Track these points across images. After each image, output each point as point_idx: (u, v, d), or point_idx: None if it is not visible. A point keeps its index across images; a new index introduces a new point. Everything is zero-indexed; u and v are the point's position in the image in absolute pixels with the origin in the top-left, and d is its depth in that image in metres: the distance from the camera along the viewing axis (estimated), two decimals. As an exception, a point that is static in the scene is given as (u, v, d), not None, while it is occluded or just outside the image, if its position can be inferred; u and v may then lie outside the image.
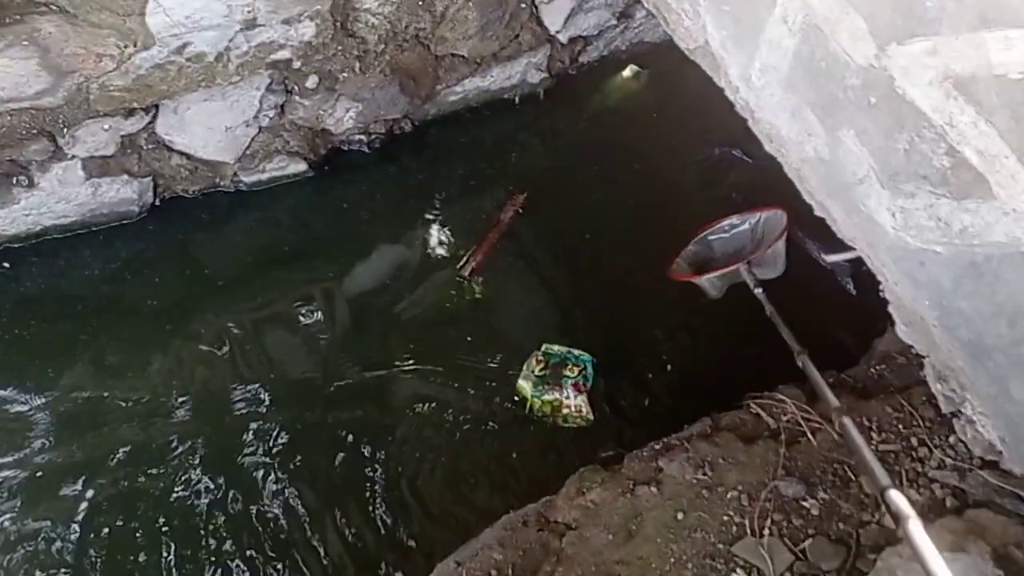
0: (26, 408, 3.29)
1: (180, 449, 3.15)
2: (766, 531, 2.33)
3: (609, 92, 4.60)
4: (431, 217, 4.00)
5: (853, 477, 2.44)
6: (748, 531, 2.34)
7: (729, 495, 2.46)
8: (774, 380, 2.95)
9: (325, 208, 4.05)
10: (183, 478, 3.08)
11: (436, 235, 3.88)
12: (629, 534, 2.41)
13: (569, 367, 3.31)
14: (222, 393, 3.33)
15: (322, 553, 2.92)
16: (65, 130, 3.30)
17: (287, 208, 4.05)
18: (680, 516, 2.42)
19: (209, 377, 3.39)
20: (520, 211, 3.94)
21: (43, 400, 3.30)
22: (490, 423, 3.27)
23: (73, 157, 3.46)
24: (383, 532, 2.97)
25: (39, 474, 3.07)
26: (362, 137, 4.11)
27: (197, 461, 3.12)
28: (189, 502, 3.02)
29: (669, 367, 3.44)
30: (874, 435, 2.56)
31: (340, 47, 3.52)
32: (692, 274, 3.31)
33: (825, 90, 1.71)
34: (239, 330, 3.54)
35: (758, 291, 3.04)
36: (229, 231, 3.99)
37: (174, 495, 3.04)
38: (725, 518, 2.41)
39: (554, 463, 3.14)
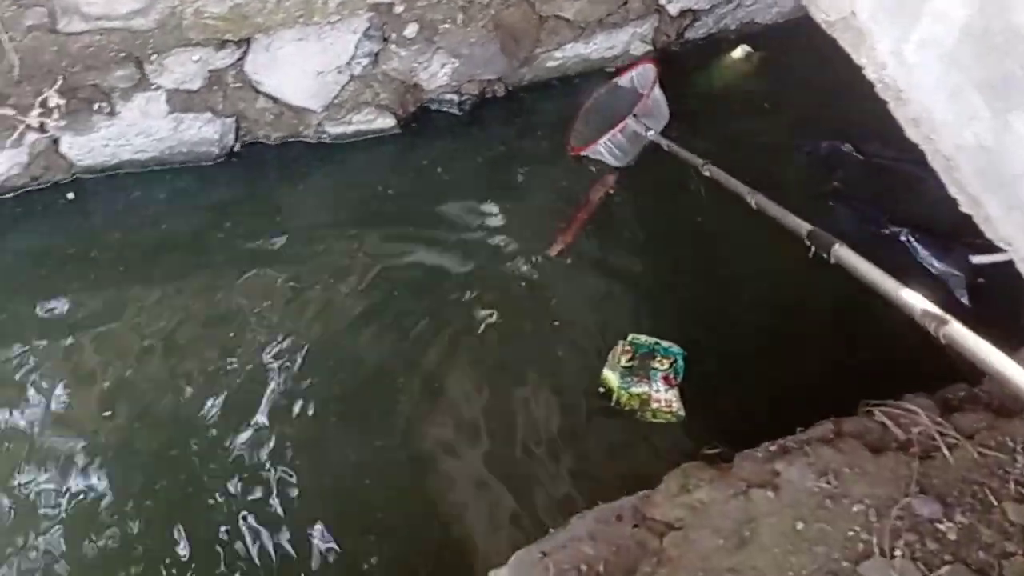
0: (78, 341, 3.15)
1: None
2: (897, 552, 2.08)
3: (716, 72, 4.34)
4: (517, 190, 3.76)
5: (996, 502, 2.18)
6: (876, 550, 2.09)
7: (855, 508, 2.22)
8: (887, 388, 2.69)
9: (408, 169, 3.86)
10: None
11: (522, 210, 3.62)
12: (742, 540, 2.18)
13: (658, 359, 3.09)
14: (267, 347, 3.16)
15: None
16: (154, 57, 3.13)
17: (369, 165, 3.87)
18: (800, 526, 2.18)
19: (269, 326, 3.22)
20: (610, 192, 3.69)
21: (100, 333, 3.16)
22: (573, 412, 3.02)
23: (158, 88, 3.29)
24: (463, 516, 2.75)
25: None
26: (453, 97, 3.89)
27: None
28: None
29: (766, 365, 3.16)
30: (1020, 457, 2.30)
31: (447, -6, 3.29)
32: (588, 144, 3.62)
33: (998, 68, 1.48)
34: (301, 284, 3.36)
35: (650, 133, 3.56)
36: (308, 183, 3.82)
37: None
38: (850, 533, 2.17)
39: (643, 457, 2.91)
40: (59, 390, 3.01)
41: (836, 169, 4.06)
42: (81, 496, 2.76)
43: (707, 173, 3.14)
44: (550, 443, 2.93)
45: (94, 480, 2.79)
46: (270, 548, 2.67)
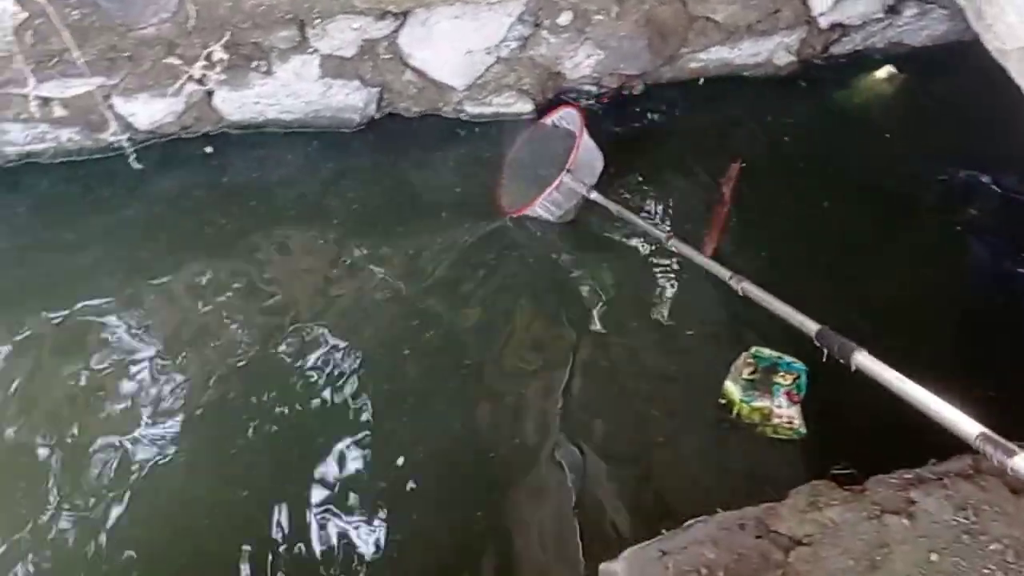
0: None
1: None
2: (1032, 597, 2.02)
3: (857, 90, 4.24)
4: (651, 189, 3.73)
5: None
6: (1011, 591, 2.03)
7: (992, 547, 2.16)
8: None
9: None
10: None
11: (658, 209, 3.61)
12: (873, 564, 2.14)
13: (781, 374, 3.04)
14: (398, 323, 3.21)
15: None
16: (317, 21, 3.21)
17: (501, 147, 3.86)
18: (934, 557, 2.13)
19: (386, 291, 3.30)
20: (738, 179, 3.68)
21: (214, 285, 3.27)
22: (691, 420, 3.02)
23: (314, 51, 3.37)
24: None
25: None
26: (592, 88, 3.90)
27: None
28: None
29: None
30: None
31: (606, -15, 3.30)
32: (523, 206, 3.37)
33: None
34: (421, 255, 3.41)
35: (594, 195, 3.32)
36: (440, 160, 3.87)
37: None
38: (986, 571, 2.12)
39: (761, 471, 2.88)
40: (170, 340, 3.11)
41: (972, 201, 3.95)
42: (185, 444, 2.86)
43: (673, 248, 3.15)
44: (666, 448, 2.92)
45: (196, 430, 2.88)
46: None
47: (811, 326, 2.38)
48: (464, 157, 3.84)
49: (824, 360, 2.34)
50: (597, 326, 3.23)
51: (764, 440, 2.95)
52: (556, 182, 3.26)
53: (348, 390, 3.01)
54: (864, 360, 2.18)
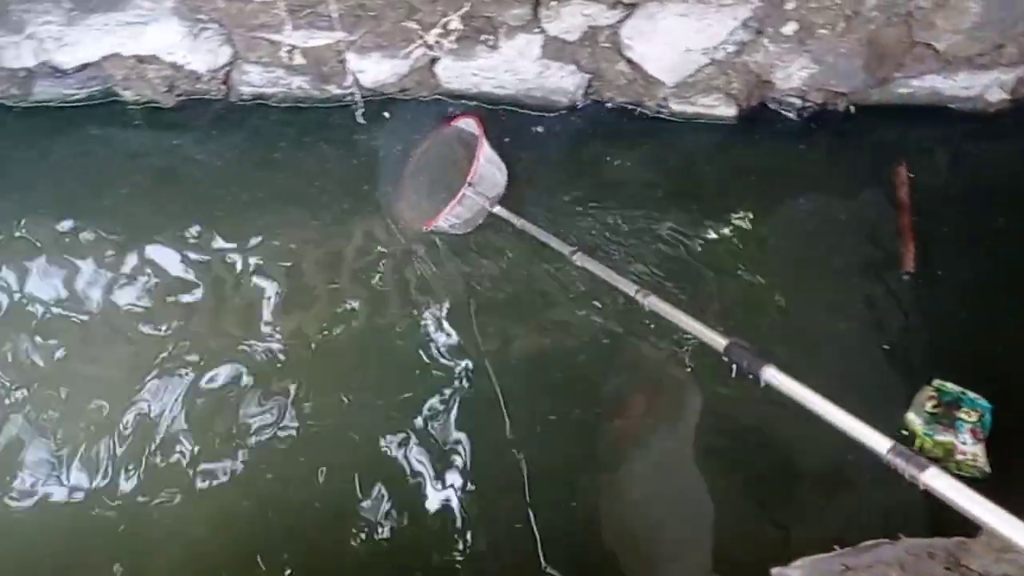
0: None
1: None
2: None
3: (1069, 137, 4.09)
4: (845, 205, 3.71)
5: None
6: None
7: None
8: None
9: (729, 162, 3.89)
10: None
11: (854, 227, 3.58)
12: (1079, 612, 2.11)
13: (964, 410, 3.00)
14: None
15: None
16: (553, 4, 3.31)
17: (689, 149, 3.93)
18: None
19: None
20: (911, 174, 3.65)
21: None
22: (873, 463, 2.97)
23: (541, 32, 3.48)
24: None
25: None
26: (796, 101, 3.89)
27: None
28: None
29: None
30: None
31: (839, 1, 3.29)
32: (429, 219, 3.26)
33: None
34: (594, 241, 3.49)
35: (497, 208, 3.27)
36: (633, 153, 3.91)
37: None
38: None
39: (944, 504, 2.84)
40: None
41: None
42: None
43: (577, 262, 3.09)
44: (842, 474, 2.92)
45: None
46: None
47: (720, 340, 2.30)
48: (655, 151, 3.90)
49: (734, 376, 2.27)
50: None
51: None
52: (458, 195, 3.17)
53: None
54: (774, 375, 2.11)
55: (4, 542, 2.80)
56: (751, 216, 3.67)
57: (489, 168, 3.30)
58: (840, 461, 2.96)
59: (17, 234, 3.49)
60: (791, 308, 3.35)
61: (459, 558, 2.79)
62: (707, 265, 3.47)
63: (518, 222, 3.25)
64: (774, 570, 2.36)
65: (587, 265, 3.03)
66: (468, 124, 3.43)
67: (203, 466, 2.95)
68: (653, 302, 2.63)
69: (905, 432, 3.02)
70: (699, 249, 3.52)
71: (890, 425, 3.03)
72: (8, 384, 3.11)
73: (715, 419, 3.05)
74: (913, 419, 3.02)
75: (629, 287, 2.78)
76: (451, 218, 3.22)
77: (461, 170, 3.27)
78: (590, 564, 2.81)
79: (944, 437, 2.94)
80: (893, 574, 2.37)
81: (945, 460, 2.93)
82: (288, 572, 2.75)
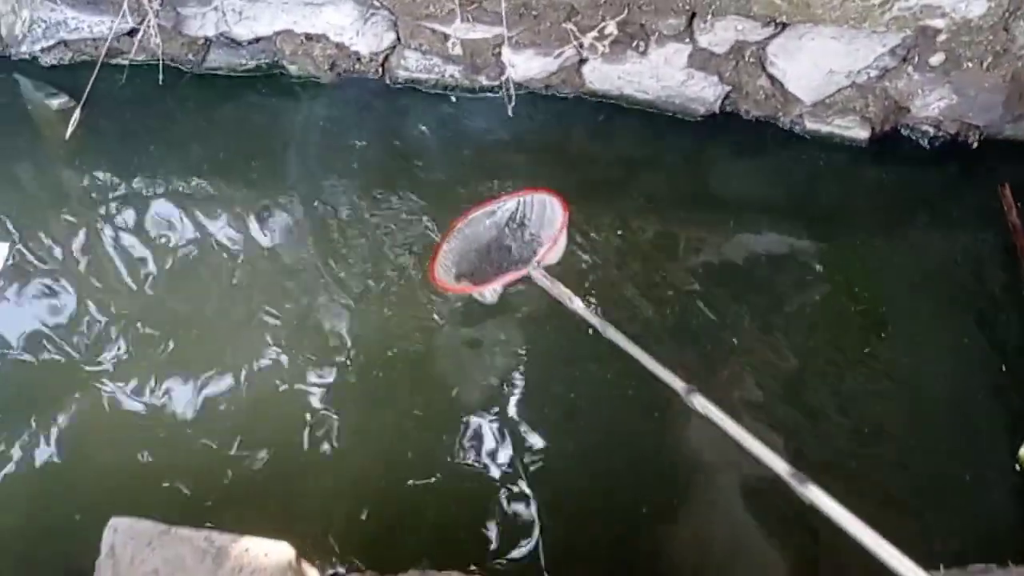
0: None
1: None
2: None
3: None
4: (968, 232, 3.78)
5: None
6: None
7: None
8: None
9: (857, 182, 3.97)
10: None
11: (975, 252, 3.67)
12: None
13: None
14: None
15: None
16: (709, 17, 3.44)
17: (827, 167, 4.00)
18: None
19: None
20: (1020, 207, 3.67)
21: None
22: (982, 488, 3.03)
23: (690, 42, 3.61)
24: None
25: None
26: (929, 130, 3.96)
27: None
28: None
29: None
30: None
31: (991, 36, 3.36)
32: (470, 284, 3.01)
33: None
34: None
35: (573, 302, 2.72)
36: (755, 167, 4.05)
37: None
38: None
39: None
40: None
41: None
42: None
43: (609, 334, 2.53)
44: (955, 499, 2.98)
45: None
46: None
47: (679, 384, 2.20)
48: (783, 167, 4.01)
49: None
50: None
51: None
52: (521, 272, 2.89)
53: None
54: (700, 402, 2.10)
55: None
56: (874, 236, 3.74)
57: (557, 252, 3.04)
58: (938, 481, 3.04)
59: (172, 187, 3.76)
60: (904, 331, 3.41)
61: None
62: (826, 280, 3.57)
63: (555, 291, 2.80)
64: None
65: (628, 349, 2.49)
66: (551, 203, 3.10)
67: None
68: (613, 335, 2.35)
69: (1019, 467, 3.05)
70: (817, 267, 3.62)
71: (1002, 454, 3.08)
72: (155, 319, 3.34)
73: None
74: None
75: (592, 320, 2.57)
76: (497, 289, 2.99)
77: (519, 240, 3.14)
78: None
79: None
80: (966, 596, 2.45)
81: (1056, 494, 2.99)
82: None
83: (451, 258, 3.11)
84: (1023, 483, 3.02)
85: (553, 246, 2.92)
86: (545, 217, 3.09)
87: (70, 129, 3.73)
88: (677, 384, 2.15)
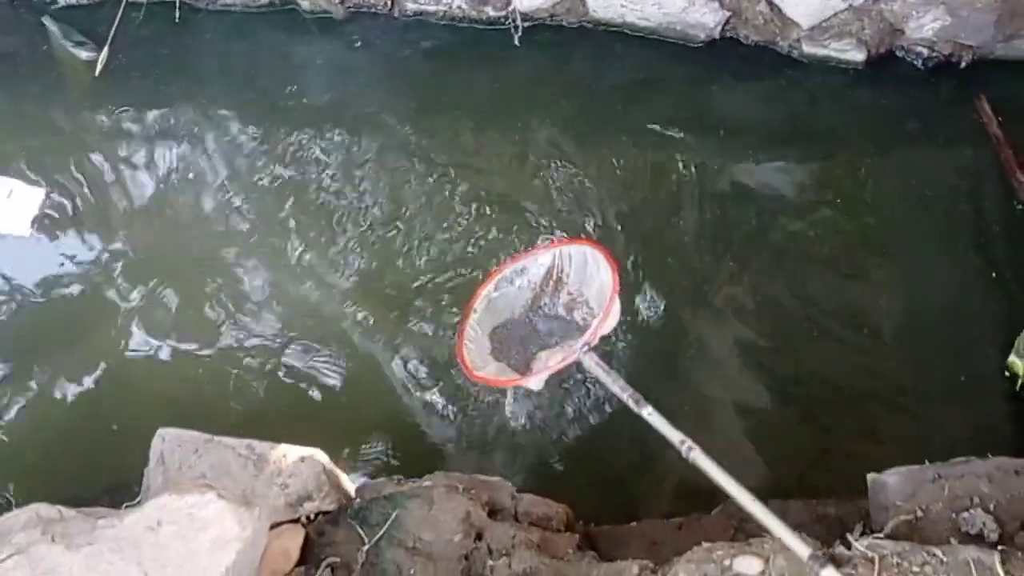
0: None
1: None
2: None
3: None
4: (962, 149, 3.94)
5: None
6: None
7: None
8: None
9: (853, 103, 4.11)
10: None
11: (970, 167, 3.83)
12: None
13: None
14: None
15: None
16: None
17: (825, 90, 4.14)
18: None
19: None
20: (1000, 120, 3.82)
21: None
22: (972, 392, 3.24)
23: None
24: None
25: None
26: (923, 51, 4.08)
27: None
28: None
29: None
30: None
31: (983, -41, 3.46)
32: (513, 377, 2.33)
33: None
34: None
35: (595, 366, 2.16)
36: (755, 91, 4.19)
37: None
38: None
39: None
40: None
41: None
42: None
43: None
44: (948, 400, 3.19)
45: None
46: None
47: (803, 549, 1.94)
48: (780, 90, 4.16)
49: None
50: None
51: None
52: (570, 358, 2.21)
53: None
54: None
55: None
56: (871, 155, 3.91)
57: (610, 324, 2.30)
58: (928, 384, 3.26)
59: (197, 124, 3.96)
60: (901, 245, 3.62)
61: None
62: (824, 202, 3.76)
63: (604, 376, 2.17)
64: (869, 476, 2.64)
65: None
66: (593, 256, 2.40)
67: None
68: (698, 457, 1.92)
69: (1008, 372, 3.23)
70: (817, 186, 3.81)
71: (994, 364, 3.26)
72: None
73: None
74: (1016, 362, 3.22)
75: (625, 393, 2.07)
76: (542, 381, 2.29)
77: (558, 304, 2.50)
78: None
79: None
80: (982, 486, 2.67)
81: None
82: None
83: (481, 331, 2.46)
84: (1011, 387, 3.23)
85: (605, 318, 2.25)
86: (587, 272, 2.44)
87: (99, 68, 3.87)
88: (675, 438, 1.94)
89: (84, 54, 3.98)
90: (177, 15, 4.13)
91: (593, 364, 2.18)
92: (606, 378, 2.15)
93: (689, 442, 1.94)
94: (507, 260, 2.72)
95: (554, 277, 2.52)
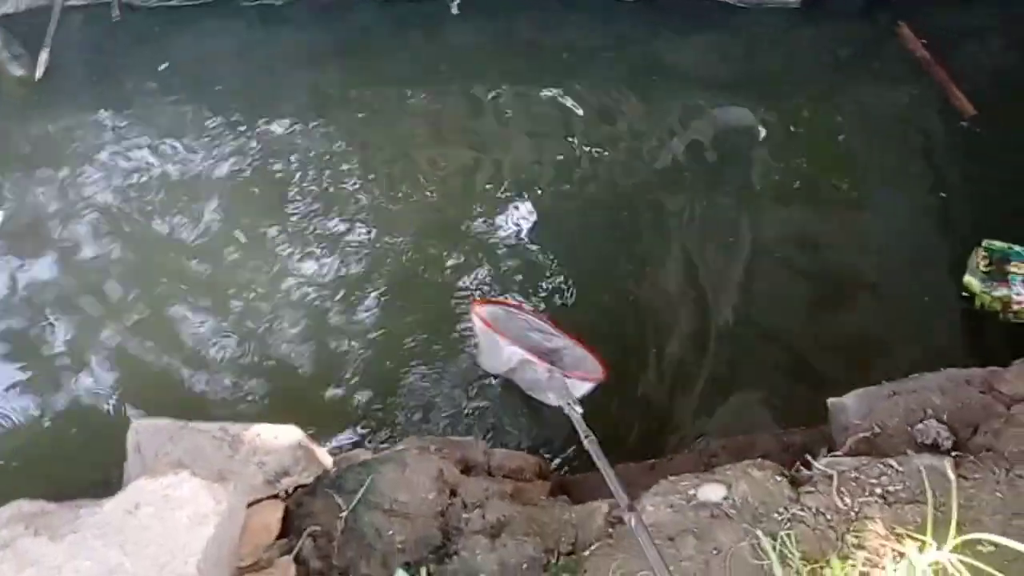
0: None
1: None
2: None
3: None
4: (905, 81, 4.00)
5: None
6: None
7: None
8: None
9: (795, 49, 4.21)
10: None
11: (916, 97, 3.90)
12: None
13: (1014, 263, 3.30)
14: None
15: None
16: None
17: (756, 36, 4.24)
18: None
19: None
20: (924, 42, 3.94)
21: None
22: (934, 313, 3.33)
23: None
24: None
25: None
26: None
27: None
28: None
29: None
30: None
31: None
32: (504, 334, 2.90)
33: None
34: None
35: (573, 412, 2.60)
36: (697, 41, 4.28)
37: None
38: None
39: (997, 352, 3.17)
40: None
41: None
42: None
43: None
44: (909, 320, 3.28)
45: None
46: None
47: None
48: (720, 35, 4.26)
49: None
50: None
51: (1003, 324, 3.27)
52: (538, 362, 2.86)
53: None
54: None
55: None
56: (818, 95, 3.99)
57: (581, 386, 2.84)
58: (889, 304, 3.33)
59: (144, 121, 3.92)
60: (854, 174, 3.71)
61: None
62: (775, 141, 3.83)
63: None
64: (829, 400, 2.72)
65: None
66: (592, 362, 2.95)
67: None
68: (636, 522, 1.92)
69: (966, 294, 3.32)
70: (768, 130, 3.87)
71: (952, 288, 3.35)
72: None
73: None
74: (971, 280, 3.32)
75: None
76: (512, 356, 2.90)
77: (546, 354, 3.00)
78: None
79: (1000, 292, 3.25)
80: (934, 398, 2.76)
81: (1004, 312, 3.25)
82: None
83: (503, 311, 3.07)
84: (968, 307, 3.33)
85: (583, 378, 2.84)
86: (577, 360, 2.98)
87: (39, 72, 3.86)
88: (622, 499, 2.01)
89: (18, 72, 3.93)
90: (115, 14, 4.09)
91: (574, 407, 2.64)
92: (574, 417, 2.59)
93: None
94: (535, 311, 3.20)
95: (553, 348, 3.03)
